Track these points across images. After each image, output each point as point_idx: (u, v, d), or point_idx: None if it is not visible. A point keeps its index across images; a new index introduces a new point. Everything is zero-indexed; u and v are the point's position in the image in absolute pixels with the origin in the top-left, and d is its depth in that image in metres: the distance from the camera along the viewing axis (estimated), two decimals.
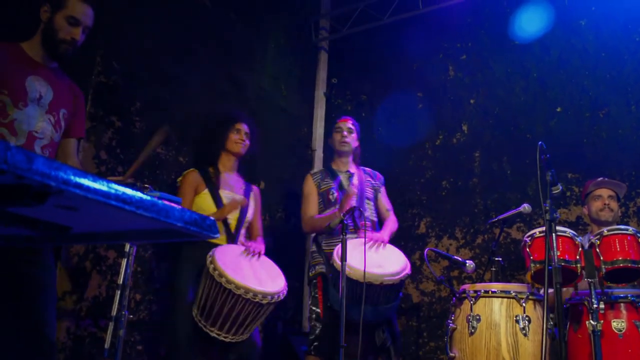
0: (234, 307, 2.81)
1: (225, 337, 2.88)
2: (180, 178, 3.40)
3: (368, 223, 3.60)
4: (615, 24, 4.51)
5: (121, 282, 2.19)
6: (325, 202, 3.73)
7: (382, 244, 3.42)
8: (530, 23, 4.77)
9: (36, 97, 2.25)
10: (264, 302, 2.83)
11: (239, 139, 3.43)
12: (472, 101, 5.03)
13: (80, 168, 2.43)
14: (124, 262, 2.23)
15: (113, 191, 0.94)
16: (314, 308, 3.56)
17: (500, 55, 4.96)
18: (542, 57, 4.75)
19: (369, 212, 3.72)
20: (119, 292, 2.20)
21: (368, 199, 3.77)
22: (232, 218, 3.33)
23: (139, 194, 1.00)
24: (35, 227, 1.22)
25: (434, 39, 5.29)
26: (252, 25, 4.89)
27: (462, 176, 4.90)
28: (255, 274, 2.97)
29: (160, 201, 1.05)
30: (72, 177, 0.86)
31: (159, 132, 2.79)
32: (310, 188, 3.81)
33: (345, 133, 3.83)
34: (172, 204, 1.12)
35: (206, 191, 3.28)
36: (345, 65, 5.77)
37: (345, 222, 3.05)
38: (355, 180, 3.79)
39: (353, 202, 3.48)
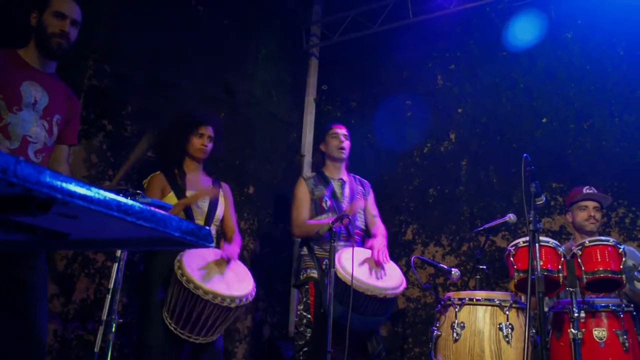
0: (202, 311, 2.83)
1: (195, 339, 2.91)
2: (145, 181, 3.30)
3: (358, 231, 3.67)
4: (600, 38, 4.61)
5: (112, 286, 2.21)
6: (317, 209, 3.68)
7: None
8: (518, 35, 4.86)
9: (31, 102, 2.28)
10: (232, 305, 2.86)
11: (201, 144, 3.33)
12: (460, 110, 5.10)
13: (70, 175, 2.45)
14: (114, 266, 2.25)
15: (115, 202, 0.97)
16: (304, 313, 3.50)
17: (488, 65, 5.04)
18: (529, 68, 4.84)
19: (360, 221, 3.73)
20: (109, 296, 2.22)
21: (359, 207, 3.75)
22: (200, 216, 3.28)
23: (139, 205, 1.03)
24: (34, 233, 1.24)
25: (424, 48, 5.36)
26: (245, 31, 4.93)
27: (449, 184, 4.97)
28: (223, 277, 2.97)
29: (158, 212, 1.08)
30: (77, 189, 0.90)
31: (144, 138, 2.79)
32: (304, 192, 3.74)
33: (342, 138, 3.82)
34: (163, 212, 1.16)
35: (172, 194, 3.21)
36: (336, 72, 5.83)
37: (337, 230, 3.11)
38: (347, 188, 3.80)
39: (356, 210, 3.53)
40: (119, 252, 2.28)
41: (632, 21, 4.47)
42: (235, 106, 4.72)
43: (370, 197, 3.93)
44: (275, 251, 5.04)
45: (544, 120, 4.69)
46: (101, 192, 0.96)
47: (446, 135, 5.10)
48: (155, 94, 3.94)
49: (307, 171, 5.44)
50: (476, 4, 4.87)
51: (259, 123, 5.00)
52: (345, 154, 3.83)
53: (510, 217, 3.49)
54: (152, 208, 1.10)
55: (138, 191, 2.28)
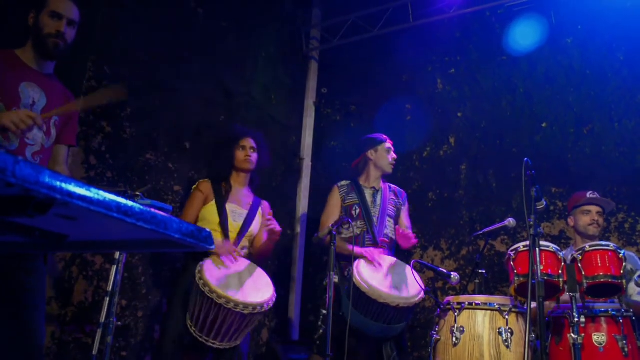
0: (217, 315, 2.88)
1: (213, 344, 2.95)
2: (195, 185, 3.46)
3: (386, 240, 3.76)
4: (600, 43, 4.60)
5: (110, 289, 2.20)
6: (347, 216, 3.79)
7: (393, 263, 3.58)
8: (518, 39, 4.86)
9: (29, 103, 2.27)
10: (246, 312, 2.88)
11: (245, 155, 3.48)
12: (459, 114, 5.09)
13: (69, 176, 2.44)
14: (113, 269, 2.24)
15: (115, 203, 0.96)
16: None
17: (488, 70, 5.04)
18: (529, 73, 4.84)
19: (389, 230, 3.82)
20: (107, 299, 2.20)
21: (389, 216, 3.86)
22: (233, 230, 3.35)
23: (139, 206, 1.02)
24: (31, 235, 1.22)
25: (424, 52, 5.36)
26: (244, 34, 4.92)
27: (448, 188, 4.95)
28: (241, 284, 3.03)
29: (159, 213, 1.07)
30: (76, 190, 0.89)
31: (114, 90, 2.74)
32: (335, 200, 3.91)
33: (394, 155, 3.98)
34: (163, 213, 1.14)
35: (213, 202, 3.34)
36: (335, 76, 5.82)
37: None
38: (379, 197, 3.89)
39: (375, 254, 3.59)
40: (117, 255, 2.27)
41: (632, 27, 4.47)
42: (234, 109, 4.71)
43: (405, 208, 4.02)
44: (274, 255, 5.02)
45: (543, 125, 4.68)
46: (101, 193, 0.94)
47: (446, 139, 5.09)
48: (154, 96, 3.93)
49: (306, 174, 5.46)
50: (476, 8, 4.87)
51: (258, 126, 4.97)
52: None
53: (510, 221, 3.48)
54: (153, 210, 1.09)
55: (137, 192, 2.28)
